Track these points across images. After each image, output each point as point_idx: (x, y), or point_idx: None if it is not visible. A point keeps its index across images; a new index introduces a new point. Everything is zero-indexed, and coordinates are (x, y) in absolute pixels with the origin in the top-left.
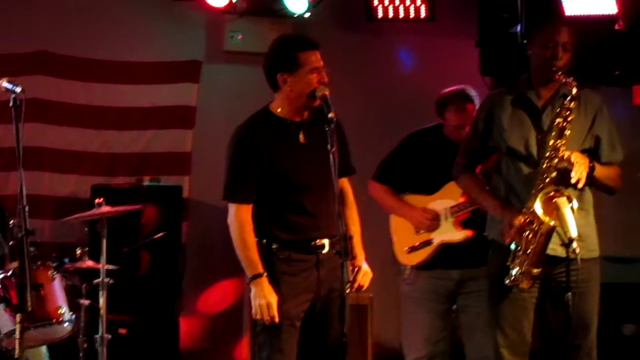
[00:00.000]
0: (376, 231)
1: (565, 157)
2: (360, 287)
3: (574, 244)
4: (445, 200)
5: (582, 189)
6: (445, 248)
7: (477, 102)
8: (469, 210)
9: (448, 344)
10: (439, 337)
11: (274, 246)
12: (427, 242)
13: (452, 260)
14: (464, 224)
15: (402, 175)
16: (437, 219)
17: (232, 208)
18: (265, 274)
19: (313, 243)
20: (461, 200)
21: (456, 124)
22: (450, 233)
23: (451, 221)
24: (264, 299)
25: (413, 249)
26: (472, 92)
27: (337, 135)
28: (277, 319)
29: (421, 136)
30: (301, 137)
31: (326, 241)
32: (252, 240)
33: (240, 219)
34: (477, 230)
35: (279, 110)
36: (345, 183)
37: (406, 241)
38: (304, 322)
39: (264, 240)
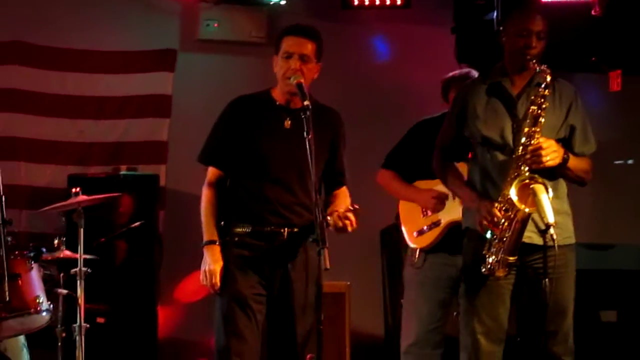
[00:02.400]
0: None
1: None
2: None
3: (551, 230)
4: None
5: (556, 178)
6: (452, 233)
7: None
8: None
9: (443, 334)
10: (435, 326)
11: (230, 229)
12: (435, 224)
13: (457, 245)
14: None
15: (409, 163)
16: (443, 198)
17: (207, 173)
18: (219, 242)
19: (269, 229)
20: None
21: None
22: (457, 212)
23: (458, 200)
24: (209, 265)
25: (421, 232)
26: (476, 74)
27: (336, 144)
28: (217, 286)
29: (427, 124)
30: (287, 123)
31: (285, 230)
32: (214, 207)
33: (209, 184)
34: None
35: (275, 94)
36: (342, 191)
37: (414, 225)
38: (270, 318)
39: (222, 222)
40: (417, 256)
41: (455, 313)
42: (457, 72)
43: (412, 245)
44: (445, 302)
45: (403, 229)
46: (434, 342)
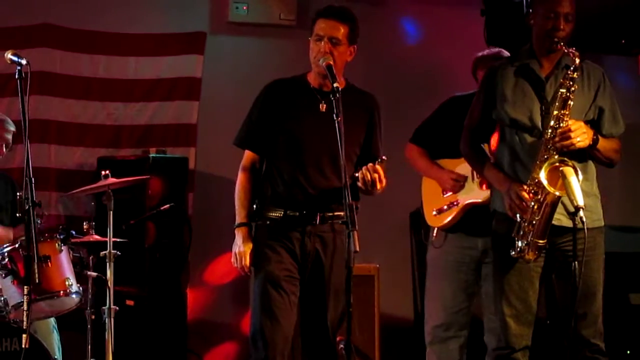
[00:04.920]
0: (385, 204)
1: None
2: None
3: (581, 213)
4: None
5: (585, 161)
6: (471, 214)
7: None
8: None
9: (469, 316)
10: (459, 308)
11: (263, 212)
12: (453, 204)
13: (476, 226)
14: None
15: (436, 139)
16: (462, 180)
17: (243, 156)
18: (248, 224)
19: (301, 213)
20: None
21: None
22: (474, 193)
23: (477, 182)
24: (239, 247)
25: (440, 211)
26: (507, 54)
27: (372, 128)
28: (247, 268)
29: (458, 101)
30: (322, 106)
31: (317, 214)
32: (247, 190)
33: (244, 168)
34: None
35: (310, 77)
36: None
37: (434, 204)
38: (302, 302)
39: (255, 206)
40: (434, 235)
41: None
42: (486, 51)
43: (430, 223)
44: (469, 284)
45: (423, 204)
46: (458, 324)
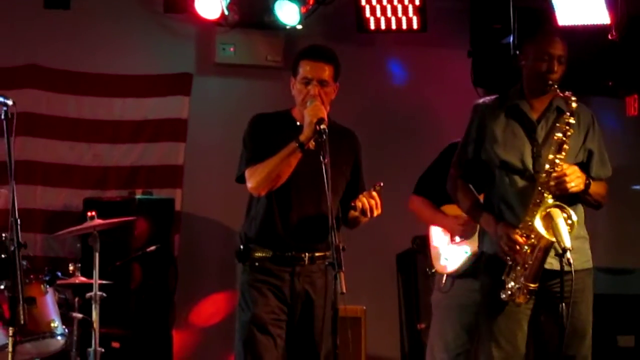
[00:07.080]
0: (372, 245)
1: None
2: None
3: (568, 254)
4: None
5: (575, 204)
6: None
7: None
8: None
9: (470, 358)
10: (461, 350)
11: (250, 253)
12: (464, 251)
13: None
14: None
15: (439, 187)
16: (470, 225)
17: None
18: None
19: (289, 254)
20: None
21: None
22: None
23: None
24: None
25: (448, 259)
26: None
27: (358, 166)
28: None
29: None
30: (310, 143)
31: (306, 254)
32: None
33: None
34: None
35: (295, 114)
36: None
37: (443, 251)
38: (288, 342)
39: (242, 247)
40: (444, 281)
41: None
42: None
43: (439, 270)
44: (472, 326)
45: (432, 253)
46: None
